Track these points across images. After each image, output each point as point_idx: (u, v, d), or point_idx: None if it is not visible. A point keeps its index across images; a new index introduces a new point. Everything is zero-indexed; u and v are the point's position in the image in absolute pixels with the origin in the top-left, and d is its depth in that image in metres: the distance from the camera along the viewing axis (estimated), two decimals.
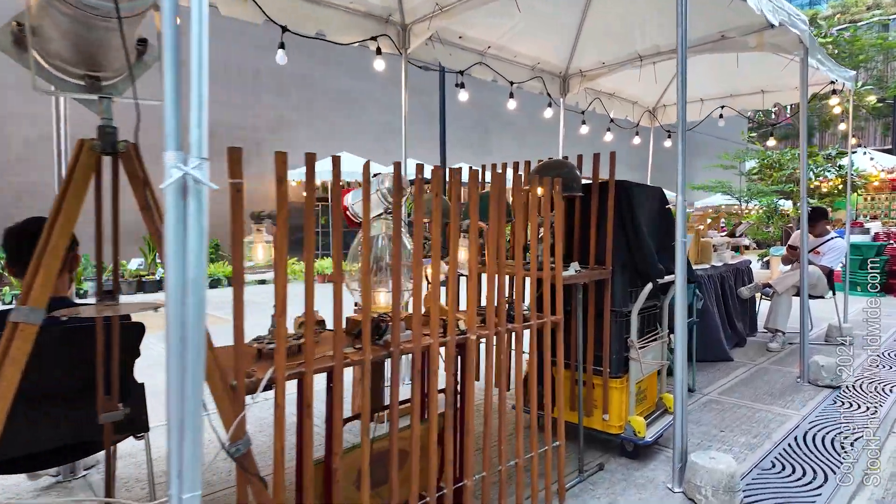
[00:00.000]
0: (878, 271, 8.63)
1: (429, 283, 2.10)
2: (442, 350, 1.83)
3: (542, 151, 16.61)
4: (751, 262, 5.79)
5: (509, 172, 2.51)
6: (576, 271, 2.48)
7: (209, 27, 0.95)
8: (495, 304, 2.00)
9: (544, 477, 2.22)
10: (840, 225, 11.90)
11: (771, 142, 5.88)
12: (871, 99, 15.05)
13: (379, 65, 3.64)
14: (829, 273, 5.28)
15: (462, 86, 4.27)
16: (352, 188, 3.83)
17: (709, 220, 5.09)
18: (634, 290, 2.73)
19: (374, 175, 2.31)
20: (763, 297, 5.52)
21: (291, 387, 1.51)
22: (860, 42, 24.39)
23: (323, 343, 1.70)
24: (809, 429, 3.14)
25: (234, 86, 12.63)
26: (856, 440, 2.97)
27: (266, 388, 1.38)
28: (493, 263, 2.07)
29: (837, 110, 5.50)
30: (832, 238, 5.30)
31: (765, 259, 11.32)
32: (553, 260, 2.20)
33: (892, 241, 8.80)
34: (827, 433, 3.07)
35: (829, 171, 10.99)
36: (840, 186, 11.33)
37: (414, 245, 1.78)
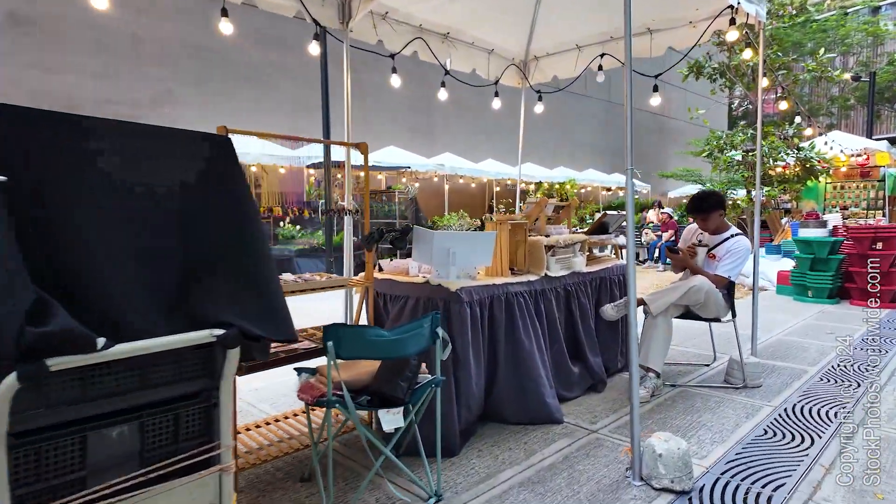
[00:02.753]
0: (829, 274, 7.09)
1: None
2: None
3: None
4: None
5: None
6: None
7: None
8: None
9: None
10: (798, 216, 10.37)
11: (655, 100, 4.25)
12: (846, 76, 13.49)
13: None
14: (729, 286, 3.70)
15: None
16: None
17: (547, 211, 3.48)
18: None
19: None
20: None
21: None
22: (847, 28, 22.87)
23: None
24: None
25: (105, 53, 10.88)
26: None
27: None
28: None
29: (748, 54, 3.81)
30: (732, 237, 3.71)
31: None
32: None
33: (849, 237, 7.26)
34: None
35: (787, 153, 9.42)
36: (801, 173, 9.77)
37: None
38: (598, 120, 24.55)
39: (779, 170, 10.44)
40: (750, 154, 9.68)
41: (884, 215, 10.97)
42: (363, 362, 2.31)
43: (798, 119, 9.41)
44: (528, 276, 3.22)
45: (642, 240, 12.49)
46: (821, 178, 10.08)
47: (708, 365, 4.22)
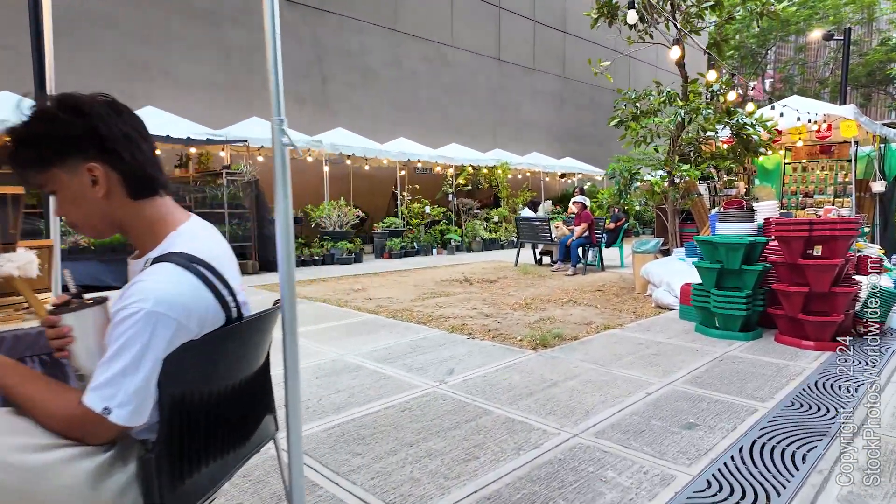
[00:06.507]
0: (742, 294, 4.56)
1: None
2: None
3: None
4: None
5: None
6: None
7: None
8: None
9: None
10: (725, 203, 7.81)
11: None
12: (816, 33, 10.91)
13: None
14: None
15: None
16: None
17: None
18: None
19: None
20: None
21: None
22: None
23: None
24: None
25: None
26: None
27: None
28: None
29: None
30: (149, 263, 1.14)
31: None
32: None
33: (777, 236, 4.72)
34: None
35: (716, 119, 6.87)
36: (737, 147, 7.22)
37: None
38: (550, 97, 21.90)
39: (721, 144, 7.91)
40: (668, 120, 7.14)
41: (846, 205, 8.48)
42: None
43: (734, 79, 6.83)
44: None
45: (552, 235, 9.95)
46: (761, 155, 7.53)
47: None
